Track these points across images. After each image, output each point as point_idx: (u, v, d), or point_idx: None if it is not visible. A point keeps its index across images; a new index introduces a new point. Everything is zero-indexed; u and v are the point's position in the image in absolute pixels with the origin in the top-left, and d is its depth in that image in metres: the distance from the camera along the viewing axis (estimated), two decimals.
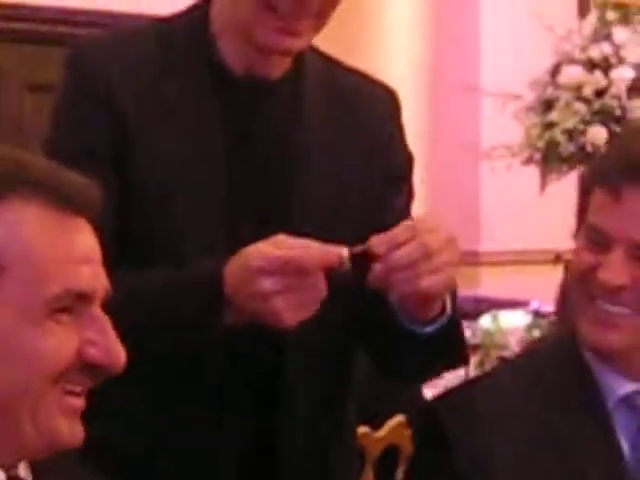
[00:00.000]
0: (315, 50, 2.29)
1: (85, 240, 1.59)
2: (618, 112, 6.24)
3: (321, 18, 2.14)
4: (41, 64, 6.85)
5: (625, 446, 1.92)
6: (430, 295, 1.94)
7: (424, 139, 8.60)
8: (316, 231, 2.08)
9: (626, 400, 1.92)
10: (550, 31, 6.55)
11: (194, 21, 2.22)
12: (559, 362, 1.96)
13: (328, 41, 2.23)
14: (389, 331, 2.08)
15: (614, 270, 1.85)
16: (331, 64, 2.33)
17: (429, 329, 2.02)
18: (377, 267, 1.91)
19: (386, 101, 2.37)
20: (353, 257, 1.90)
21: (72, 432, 1.57)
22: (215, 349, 2.08)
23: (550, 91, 6.42)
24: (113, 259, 1.89)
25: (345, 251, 1.89)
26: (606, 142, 6.18)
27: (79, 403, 1.58)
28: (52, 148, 2.14)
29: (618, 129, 6.22)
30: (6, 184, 1.53)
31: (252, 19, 2.11)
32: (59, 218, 1.56)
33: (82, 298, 1.55)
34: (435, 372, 2.30)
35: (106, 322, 1.59)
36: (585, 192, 1.94)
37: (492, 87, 6.98)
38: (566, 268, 3.47)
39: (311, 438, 2.31)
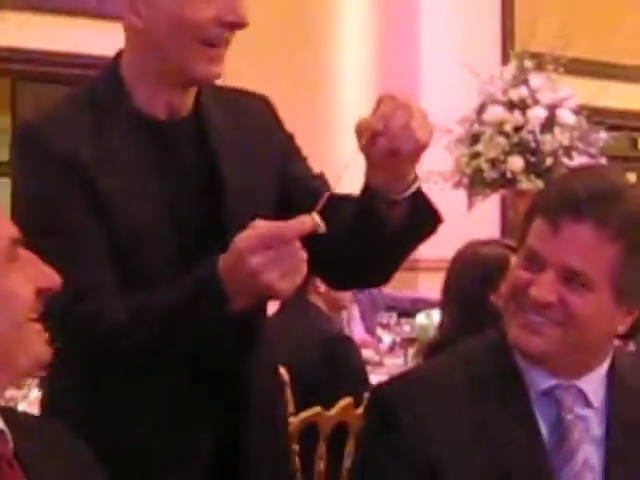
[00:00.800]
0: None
1: None
2: (533, 145, 6.27)
3: (228, 44, 2.11)
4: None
5: (545, 432, 1.87)
6: (425, 144, 1.95)
7: None
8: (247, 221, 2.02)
9: (547, 393, 1.88)
10: (477, 76, 6.64)
11: (109, 81, 2.16)
12: (491, 357, 1.93)
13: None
14: (374, 220, 2.05)
15: (545, 289, 1.82)
16: (217, 89, 2.27)
17: (409, 191, 2.03)
18: (381, 141, 1.93)
19: (262, 102, 2.34)
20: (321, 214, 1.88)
21: (48, 351, 1.59)
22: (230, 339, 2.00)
23: (476, 127, 6.48)
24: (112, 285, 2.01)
25: (315, 216, 1.87)
26: (523, 170, 6.29)
27: (39, 326, 1.57)
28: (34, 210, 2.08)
29: (533, 159, 6.29)
30: None
31: (190, 56, 2.06)
32: None
33: (16, 243, 1.56)
34: (418, 234, 2.15)
35: (33, 255, 1.60)
36: (527, 219, 1.91)
37: None
38: None
39: (270, 433, 2.29)
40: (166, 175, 2.13)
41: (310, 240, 1.92)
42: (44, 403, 2.30)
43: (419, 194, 2.06)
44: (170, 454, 2.14)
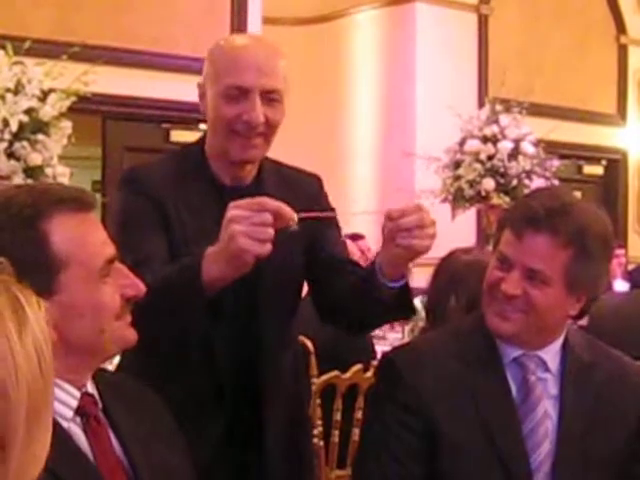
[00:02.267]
0: (267, 158, 2.20)
1: (99, 225, 1.54)
2: (502, 170, 6.30)
3: (268, 137, 2.09)
4: (136, 135, 6.96)
5: (514, 389, 1.88)
6: (415, 252, 1.87)
7: (379, 186, 8.63)
8: (274, 294, 2.09)
9: (516, 359, 1.90)
10: (459, 117, 6.63)
11: (196, 151, 2.16)
12: (474, 333, 1.93)
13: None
14: (370, 287, 1.98)
15: (512, 284, 1.83)
16: (278, 164, 2.25)
17: (397, 284, 1.96)
18: (389, 224, 1.87)
19: (315, 180, 2.30)
20: (300, 221, 1.78)
21: (135, 335, 1.56)
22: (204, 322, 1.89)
23: (458, 155, 6.48)
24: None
25: (296, 216, 1.77)
26: (494, 189, 6.29)
27: (124, 320, 1.53)
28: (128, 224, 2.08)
29: (502, 180, 6.30)
30: (44, 209, 1.45)
31: (225, 142, 2.06)
32: (84, 215, 1.50)
33: (111, 262, 1.51)
34: (393, 318, 2.14)
35: (127, 270, 1.55)
36: (500, 229, 1.91)
37: (422, 152, 7.05)
38: None
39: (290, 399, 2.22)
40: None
41: (322, 287, 2.09)
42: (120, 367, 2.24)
43: (407, 291, 2.00)
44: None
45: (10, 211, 1.44)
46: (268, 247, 1.74)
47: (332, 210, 2.29)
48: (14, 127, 3.95)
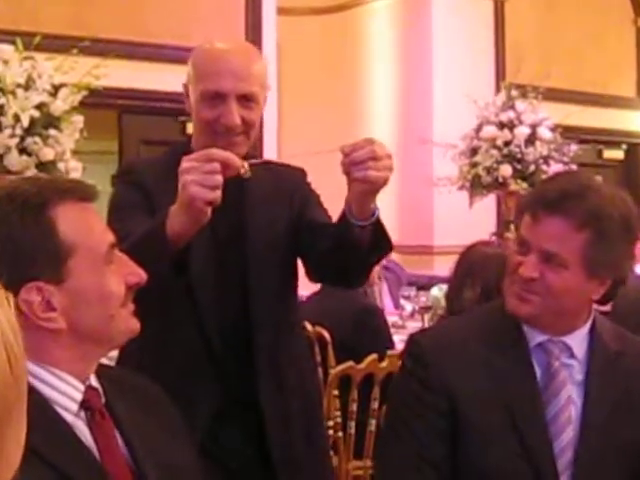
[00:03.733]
0: (255, 156, 2.26)
1: (98, 214, 1.56)
2: (519, 156, 6.25)
3: (247, 134, 2.21)
4: (152, 128, 6.93)
5: (538, 374, 1.89)
6: (373, 184, 1.92)
7: (397, 174, 8.68)
8: (261, 254, 2.22)
9: (540, 345, 1.90)
10: (475, 104, 6.58)
11: (183, 147, 2.24)
12: (499, 318, 1.93)
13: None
14: (345, 233, 2.04)
15: (529, 267, 1.83)
16: (266, 160, 2.35)
17: (368, 222, 2.01)
18: (344, 160, 1.91)
19: (299, 173, 2.45)
20: (250, 166, 1.91)
21: (137, 324, 1.56)
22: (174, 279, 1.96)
23: (475, 142, 6.43)
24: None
25: (245, 163, 1.89)
26: (511, 175, 6.25)
27: (134, 306, 1.56)
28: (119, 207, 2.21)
29: (519, 167, 6.25)
30: (50, 198, 1.47)
31: (210, 141, 2.14)
32: (85, 204, 1.51)
33: (113, 249, 1.53)
34: (375, 257, 2.17)
35: (125, 256, 1.57)
36: (519, 214, 1.92)
37: (439, 140, 7.02)
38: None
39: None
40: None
41: (308, 251, 2.21)
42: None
43: (380, 226, 2.05)
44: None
45: (16, 200, 1.44)
46: (218, 194, 1.84)
47: (317, 196, 2.42)
48: (25, 122, 3.91)
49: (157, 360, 2.20)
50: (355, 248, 2.05)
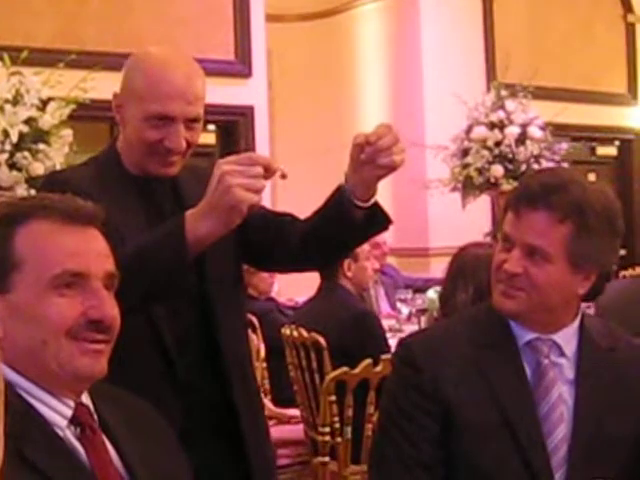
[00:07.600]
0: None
1: (86, 242, 1.53)
2: (510, 156, 6.30)
3: (185, 155, 2.16)
4: None
5: (528, 373, 1.88)
6: (396, 166, 2.01)
7: (389, 178, 8.65)
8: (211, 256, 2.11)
9: (529, 343, 1.90)
10: (465, 104, 6.61)
11: (111, 153, 2.22)
12: (488, 318, 1.94)
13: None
14: (342, 213, 2.08)
15: (513, 262, 1.84)
16: (196, 167, 2.30)
17: (369, 203, 2.07)
18: (368, 149, 1.99)
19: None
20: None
21: (92, 367, 1.49)
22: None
23: (466, 143, 6.48)
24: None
25: (283, 167, 1.90)
26: (503, 175, 6.27)
27: (99, 347, 1.49)
28: None
29: (510, 166, 6.28)
30: (27, 213, 1.50)
31: (145, 160, 2.14)
32: (69, 227, 1.50)
33: (78, 276, 1.48)
34: (372, 232, 2.19)
35: (102, 292, 1.50)
36: (504, 212, 1.93)
37: (430, 142, 7.04)
38: None
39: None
40: (145, 211, 2.18)
41: (272, 246, 2.19)
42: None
43: (378, 206, 2.11)
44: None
45: (1, 212, 1.52)
46: (261, 197, 1.87)
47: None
48: (14, 138, 3.94)
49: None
50: (351, 227, 2.10)
